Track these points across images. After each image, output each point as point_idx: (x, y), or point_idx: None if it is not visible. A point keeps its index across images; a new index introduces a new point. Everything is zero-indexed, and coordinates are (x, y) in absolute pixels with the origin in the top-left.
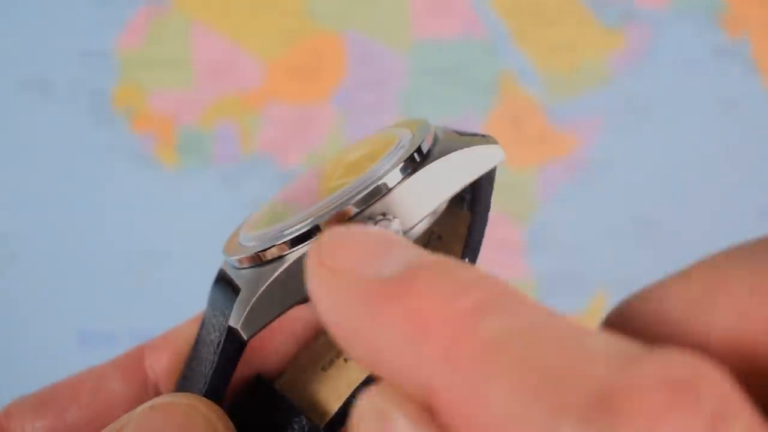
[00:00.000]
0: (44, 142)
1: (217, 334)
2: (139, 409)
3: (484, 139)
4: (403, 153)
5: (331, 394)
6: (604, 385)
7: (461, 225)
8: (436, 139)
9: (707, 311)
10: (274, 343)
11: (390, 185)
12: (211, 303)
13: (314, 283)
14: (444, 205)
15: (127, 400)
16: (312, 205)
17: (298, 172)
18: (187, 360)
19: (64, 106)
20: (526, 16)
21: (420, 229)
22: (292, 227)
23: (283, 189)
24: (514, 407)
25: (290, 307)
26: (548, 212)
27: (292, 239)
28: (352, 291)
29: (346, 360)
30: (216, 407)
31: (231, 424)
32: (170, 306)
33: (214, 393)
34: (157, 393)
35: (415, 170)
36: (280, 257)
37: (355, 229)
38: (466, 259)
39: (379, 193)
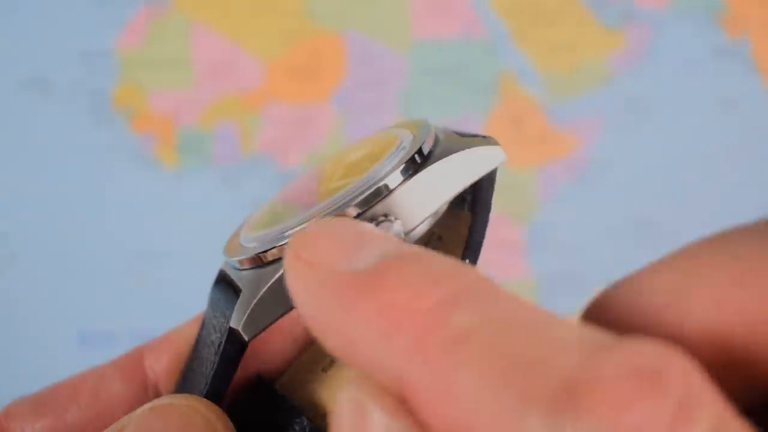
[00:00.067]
0: (44, 142)
1: (218, 335)
2: (139, 410)
3: (485, 140)
4: (404, 154)
5: (331, 394)
6: (571, 375)
7: (462, 226)
8: (436, 141)
9: (683, 301)
10: (275, 343)
11: (391, 187)
12: (212, 304)
13: (291, 276)
14: (445, 206)
15: (127, 400)
16: (313, 206)
17: (298, 172)
18: (187, 361)
19: (64, 106)
20: (526, 16)
21: (421, 230)
22: (293, 228)
23: (283, 189)
24: (483, 398)
25: (291, 308)
26: (548, 212)
27: None
28: (326, 284)
29: None
30: (216, 408)
31: (231, 425)
32: (170, 306)
33: (214, 394)
34: (157, 393)
35: (416, 172)
36: (281, 258)
37: (330, 223)
38: (467, 260)
39: (380, 194)
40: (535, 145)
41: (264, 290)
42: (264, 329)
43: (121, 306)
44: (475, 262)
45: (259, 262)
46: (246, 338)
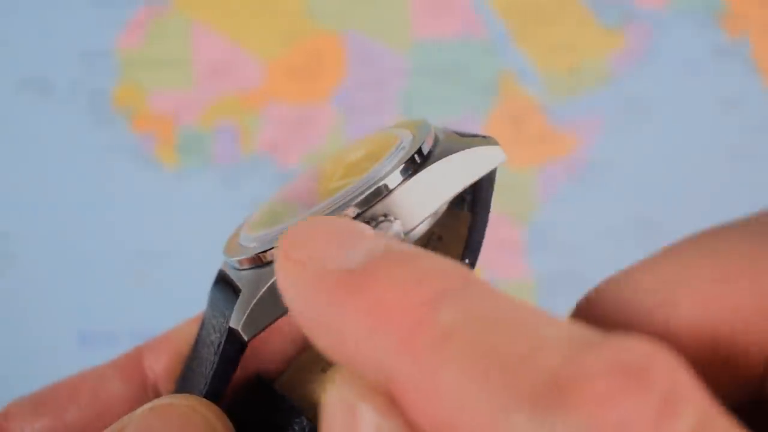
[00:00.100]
0: (44, 142)
1: (218, 335)
2: (139, 410)
3: (484, 140)
4: (403, 154)
5: None
6: (557, 372)
7: (462, 226)
8: (436, 140)
9: (670, 299)
10: (275, 343)
11: (391, 187)
12: (211, 304)
13: (281, 275)
14: (445, 206)
15: (126, 400)
16: (313, 206)
17: (297, 172)
18: (186, 361)
19: (64, 106)
20: (525, 16)
21: (421, 230)
22: None
23: (282, 189)
24: (469, 395)
25: None
26: (548, 212)
27: None
28: (316, 283)
29: None
30: (216, 408)
31: (231, 425)
32: (170, 306)
33: (214, 394)
34: (157, 393)
35: (415, 171)
36: None
37: (320, 221)
38: (467, 260)
39: (380, 194)
40: (535, 145)
41: (263, 290)
42: (263, 329)
43: (121, 306)
44: (475, 261)
45: (258, 262)
46: (245, 338)
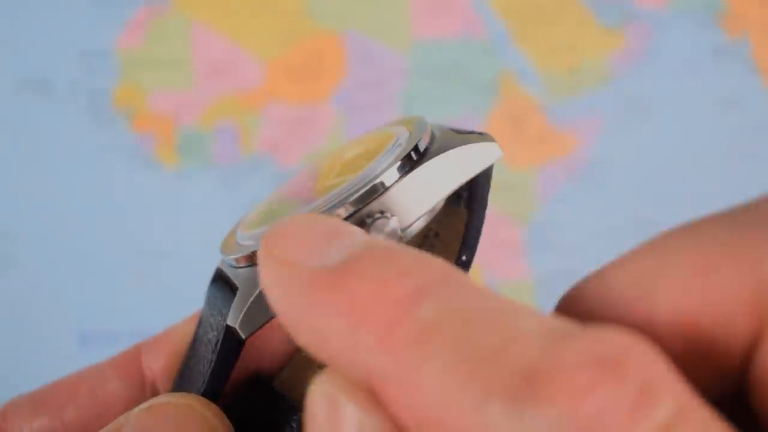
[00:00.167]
0: (44, 143)
1: (215, 333)
2: (137, 409)
3: (481, 136)
4: (400, 151)
5: None
6: (532, 364)
7: (458, 222)
8: (433, 137)
9: (650, 292)
10: (272, 341)
11: (387, 184)
12: (209, 302)
13: (263, 273)
14: (441, 203)
15: (124, 399)
16: (309, 203)
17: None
18: (184, 359)
19: (64, 106)
20: (525, 16)
21: (418, 226)
22: None
23: (279, 187)
24: (447, 389)
25: None
26: (548, 212)
27: None
28: (297, 281)
29: None
30: (214, 407)
31: (229, 423)
32: (170, 306)
33: (212, 392)
34: (155, 392)
35: (412, 168)
36: None
37: (300, 219)
38: (464, 257)
39: (376, 191)
40: (535, 145)
41: (260, 288)
42: (261, 327)
43: (121, 306)
44: (472, 258)
45: (255, 260)
46: (243, 336)
